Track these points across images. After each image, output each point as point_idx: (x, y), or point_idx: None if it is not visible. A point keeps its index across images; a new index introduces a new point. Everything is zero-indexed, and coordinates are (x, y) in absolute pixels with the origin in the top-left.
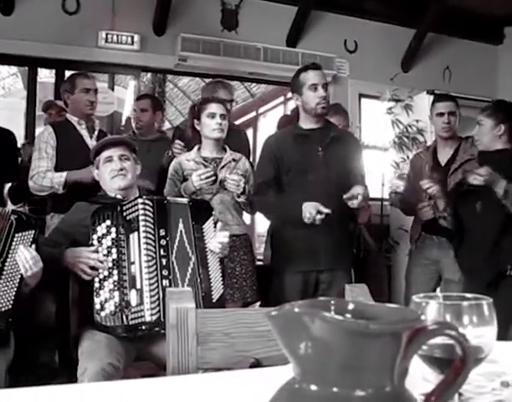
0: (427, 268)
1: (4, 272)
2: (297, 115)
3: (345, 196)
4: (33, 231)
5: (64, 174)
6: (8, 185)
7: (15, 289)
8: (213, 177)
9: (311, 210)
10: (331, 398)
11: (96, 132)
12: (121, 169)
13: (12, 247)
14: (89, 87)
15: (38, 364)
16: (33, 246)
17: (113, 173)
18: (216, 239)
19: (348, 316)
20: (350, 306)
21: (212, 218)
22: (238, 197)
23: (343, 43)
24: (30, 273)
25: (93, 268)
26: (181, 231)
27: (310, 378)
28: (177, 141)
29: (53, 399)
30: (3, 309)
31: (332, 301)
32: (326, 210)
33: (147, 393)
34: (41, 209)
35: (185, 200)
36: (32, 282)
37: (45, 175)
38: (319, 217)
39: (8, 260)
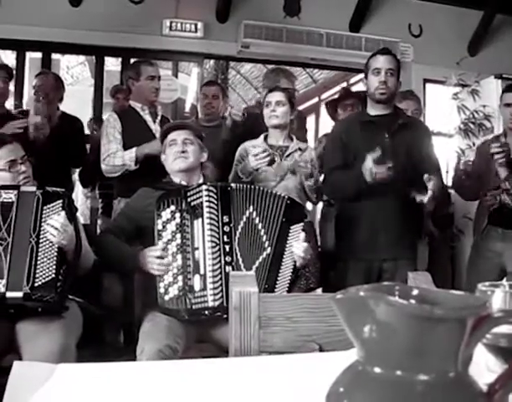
0: (489, 261)
1: (40, 245)
2: (343, 99)
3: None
4: (61, 201)
5: (134, 149)
6: (78, 169)
7: (55, 259)
8: (269, 158)
9: (367, 166)
10: (395, 381)
11: (159, 117)
12: (183, 151)
13: (43, 220)
14: (154, 74)
15: (103, 343)
16: (63, 213)
17: (175, 155)
18: (299, 244)
19: (412, 301)
20: (415, 292)
21: (301, 224)
22: (306, 179)
23: (407, 27)
24: (64, 241)
25: (159, 264)
26: (249, 218)
27: (374, 361)
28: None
29: (111, 375)
30: (48, 279)
31: (396, 287)
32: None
33: (207, 372)
34: (110, 194)
35: (283, 194)
36: (69, 248)
37: (116, 155)
38: (379, 171)
39: (42, 233)
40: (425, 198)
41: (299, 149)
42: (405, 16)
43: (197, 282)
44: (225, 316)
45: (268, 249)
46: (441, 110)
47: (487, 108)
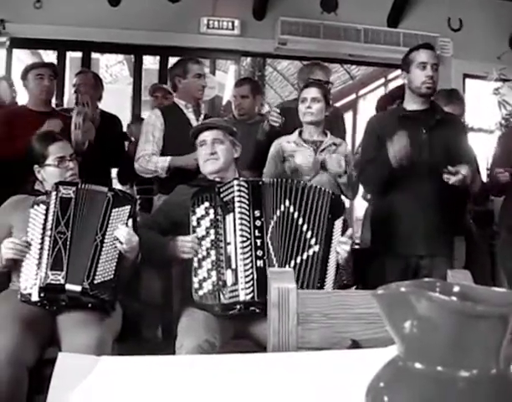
0: None
1: (105, 245)
2: (398, 96)
3: (445, 172)
4: (129, 207)
5: (168, 159)
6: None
7: (115, 261)
8: (312, 160)
9: (396, 148)
10: (436, 376)
11: (202, 116)
12: (212, 153)
13: (111, 221)
14: (200, 72)
15: (142, 338)
16: (130, 221)
17: (205, 157)
18: (343, 240)
19: (454, 298)
20: (456, 289)
21: (342, 217)
22: (340, 177)
23: (447, 21)
24: (128, 248)
25: (191, 248)
26: (284, 213)
27: (415, 357)
28: (274, 109)
29: (152, 368)
30: (106, 278)
31: (437, 283)
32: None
33: (245, 367)
34: (148, 190)
35: (327, 189)
36: (131, 256)
37: (150, 159)
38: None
39: (108, 233)
40: (452, 179)
41: (334, 144)
42: (444, 10)
43: (229, 277)
44: (257, 310)
45: (316, 247)
46: (481, 105)
47: None
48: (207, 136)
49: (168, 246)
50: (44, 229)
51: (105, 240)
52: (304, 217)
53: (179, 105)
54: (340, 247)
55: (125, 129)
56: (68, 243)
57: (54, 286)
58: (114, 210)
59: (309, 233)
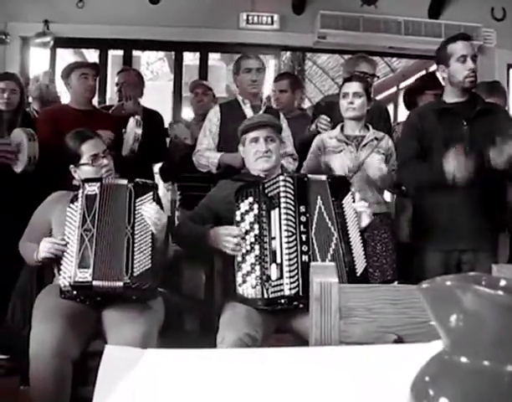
0: None
1: (136, 235)
2: (425, 86)
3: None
4: (151, 192)
5: (218, 155)
6: (159, 164)
7: (150, 249)
8: (350, 167)
9: (449, 169)
10: (482, 371)
11: (261, 111)
12: (266, 151)
13: (137, 212)
14: (251, 67)
15: (184, 332)
16: (154, 204)
17: (258, 155)
18: (356, 205)
19: (500, 292)
20: (502, 283)
21: (350, 193)
22: (380, 181)
23: (490, 10)
24: (160, 227)
25: (236, 244)
26: (319, 207)
27: (460, 351)
28: (323, 117)
29: (196, 361)
30: (145, 268)
31: (483, 277)
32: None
33: (287, 361)
34: (189, 186)
35: (323, 177)
36: (161, 236)
37: (203, 154)
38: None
39: (137, 224)
40: (499, 159)
41: (376, 139)
42: None
43: (273, 271)
44: (301, 305)
45: (336, 234)
46: None
47: None
48: (259, 133)
49: (207, 235)
50: (77, 226)
51: (136, 231)
52: (326, 209)
53: (238, 101)
54: (359, 209)
55: (166, 125)
56: (94, 240)
57: (82, 283)
58: (137, 200)
59: (330, 222)
